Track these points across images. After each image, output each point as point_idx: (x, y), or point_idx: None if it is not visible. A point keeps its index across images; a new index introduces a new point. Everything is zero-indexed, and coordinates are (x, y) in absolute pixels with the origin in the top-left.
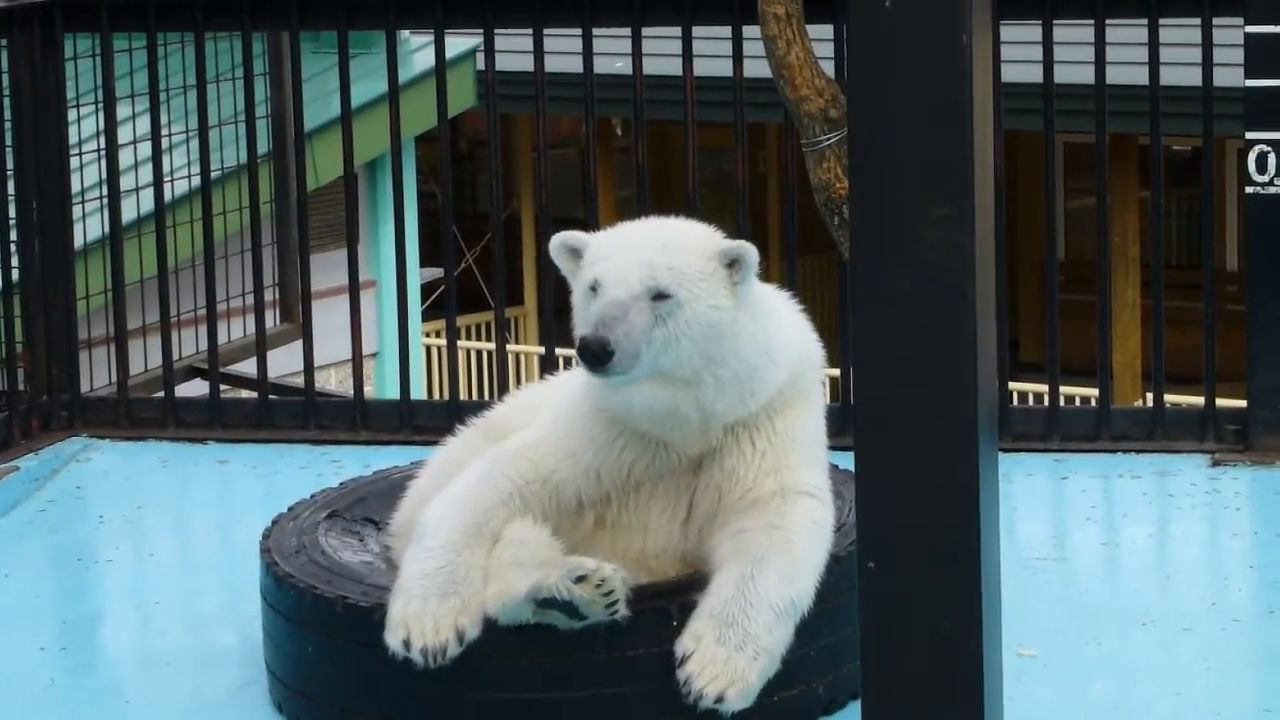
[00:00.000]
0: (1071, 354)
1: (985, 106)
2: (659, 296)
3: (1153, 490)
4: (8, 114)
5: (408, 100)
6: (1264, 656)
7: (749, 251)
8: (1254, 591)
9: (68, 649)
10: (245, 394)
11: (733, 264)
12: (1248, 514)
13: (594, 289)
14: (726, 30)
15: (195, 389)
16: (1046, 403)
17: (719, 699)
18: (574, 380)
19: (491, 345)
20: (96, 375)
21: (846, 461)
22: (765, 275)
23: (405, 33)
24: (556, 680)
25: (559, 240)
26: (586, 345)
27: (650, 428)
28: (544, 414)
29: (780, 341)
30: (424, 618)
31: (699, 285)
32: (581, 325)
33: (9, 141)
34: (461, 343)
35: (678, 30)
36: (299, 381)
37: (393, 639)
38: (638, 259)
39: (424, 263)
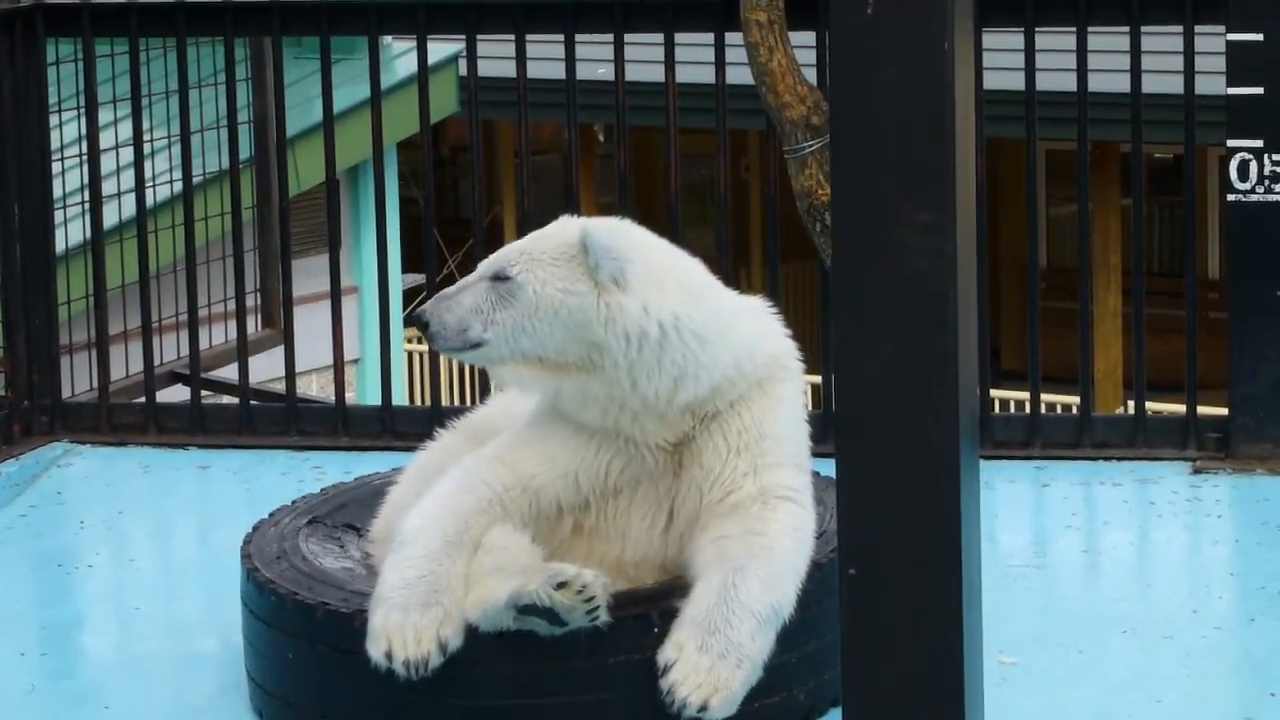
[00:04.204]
0: (1053, 362)
1: (967, 113)
2: (499, 278)
3: (1134, 498)
4: None
5: (390, 106)
6: (1245, 664)
7: (589, 234)
8: (1235, 599)
9: (48, 654)
10: (226, 399)
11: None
12: (1229, 521)
13: None
14: (709, 37)
15: (176, 394)
16: (1028, 410)
17: (703, 708)
18: None
19: None
20: (78, 380)
21: (828, 468)
22: (748, 282)
23: (387, 38)
24: (537, 687)
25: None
26: (412, 317)
27: (592, 417)
28: (523, 418)
29: (718, 327)
30: (405, 629)
31: (546, 269)
32: None
33: None
34: None
35: (660, 36)
36: (280, 387)
37: (374, 650)
38: (504, 247)
39: (406, 268)
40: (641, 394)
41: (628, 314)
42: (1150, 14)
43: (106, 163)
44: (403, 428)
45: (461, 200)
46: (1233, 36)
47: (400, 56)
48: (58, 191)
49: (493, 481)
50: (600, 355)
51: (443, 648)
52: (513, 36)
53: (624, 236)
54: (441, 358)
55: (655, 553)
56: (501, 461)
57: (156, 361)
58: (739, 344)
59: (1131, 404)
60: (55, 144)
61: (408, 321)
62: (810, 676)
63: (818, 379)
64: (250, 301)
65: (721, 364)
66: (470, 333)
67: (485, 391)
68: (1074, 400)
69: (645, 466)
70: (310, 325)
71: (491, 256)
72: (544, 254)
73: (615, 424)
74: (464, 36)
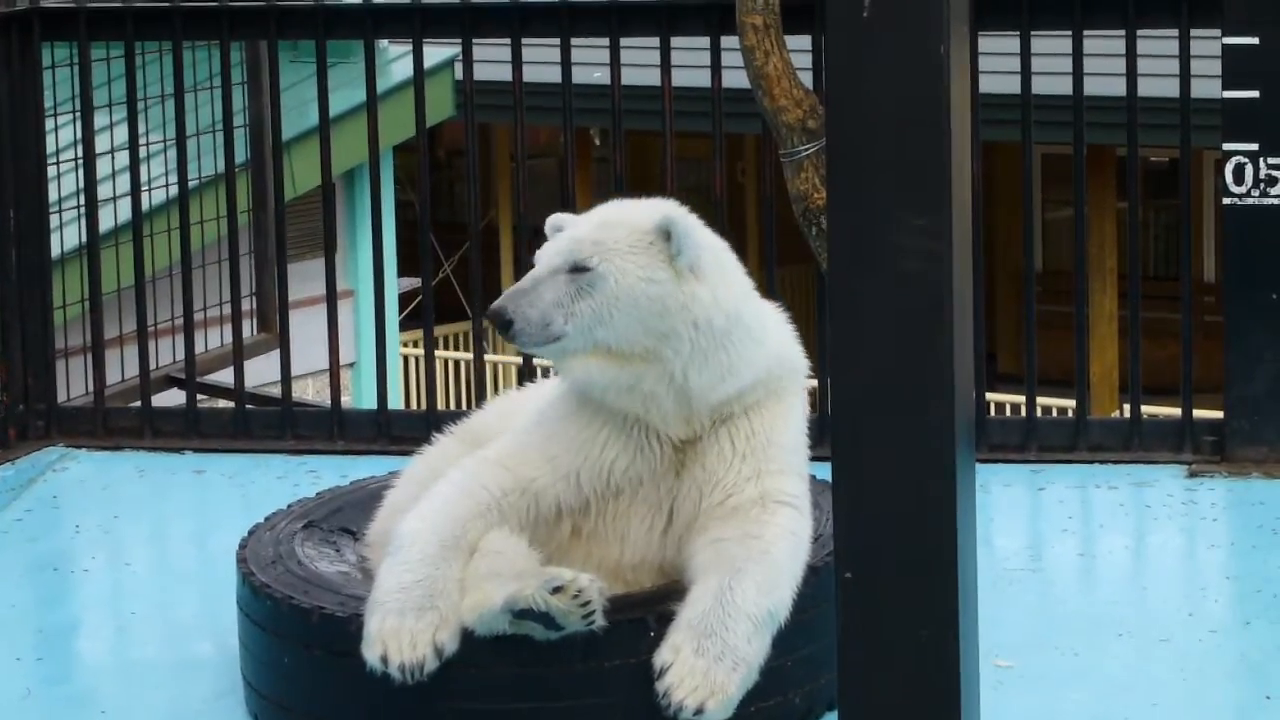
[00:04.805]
0: (1049, 365)
1: (963, 117)
2: (577, 269)
3: (1130, 501)
4: None
5: (386, 110)
6: (1241, 667)
7: (673, 221)
8: (1231, 602)
9: (44, 659)
10: (222, 404)
11: (668, 236)
12: (1224, 525)
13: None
14: (704, 41)
15: (172, 398)
16: (1024, 413)
17: (699, 710)
18: (555, 385)
19: (469, 355)
20: (73, 385)
21: (824, 472)
22: None
23: (383, 42)
24: (533, 691)
25: (551, 221)
26: (488, 314)
27: (628, 406)
28: (523, 420)
29: (759, 322)
30: (401, 633)
31: (627, 258)
32: None
33: None
34: (439, 353)
35: (656, 40)
36: (276, 391)
37: (370, 654)
38: (570, 235)
39: (401, 272)
40: (690, 387)
41: (701, 303)
42: (1146, 17)
43: (102, 167)
44: (398, 431)
45: (457, 204)
46: (1228, 40)
47: (396, 60)
48: (53, 195)
49: (491, 486)
50: (666, 345)
51: (438, 652)
52: (509, 40)
53: (694, 222)
54: (437, 362)
55: (654, 555)
56: (501, 465)
57: (152, 365)
58: (772, 348)
59: (1127, 407)
60: (51, 148)
61: (403, 325)
62: (807, 680)
63: (814, 382)
64: (246, 305)
65: (757, 365)
66: (553, 327)
67: (481, 396)
68: (1070, 404)
69: (649, 466)
70: (306, 329)
71: (555, 249)
72: (619, 242)
73: (646, 416)
74: (460, 40)
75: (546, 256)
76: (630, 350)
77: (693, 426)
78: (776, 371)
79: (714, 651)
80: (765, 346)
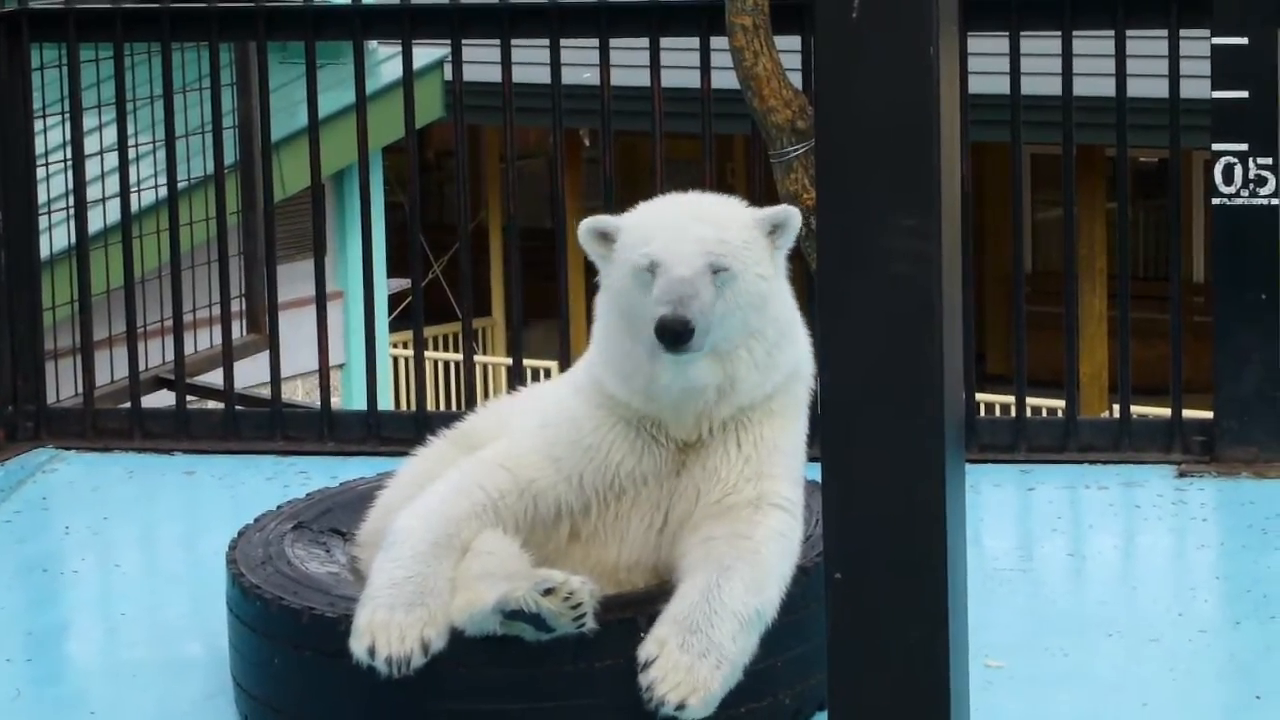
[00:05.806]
0: (1038, 366)
1: (952, 118)
2: (718, 271)
3: (1119, 501)
4: None
5: (375, 111)
6: (1230, 667)
7: (792, 215)
8: (1220, 602)
9: (33, 660)
10: (212, 405)
11: (774, 230)
12: (1214, 525)
13: (650, 270)
14: (694, 41)
15: (161, 400)
16: (1013, 413)
17: (680, 706)
18: (560, 386)
19: (459, 356)
20: (62, 386)
21: (814, 473)
22: None
23: (372, 43)
24: (523, 691)
25: (587, 226)
26: (668, 325)
27: (671, 406)
28: (521, 422)
29: (798, 320)
30: (390, 627)
31: (747, 255)
32: (643, 307)
33: None
34: (428, 354)
35: (645, 41)
36: (266, 392)
37: (358, 647)
38: (691, 235)
39: (391, 273)
40: (742, 387)
41: (780, 299)
42: (1135, 18)
43: (91, 168)
44: (388, 432)
45: (447, 205)
46: (1217, 40)
47: (385, 61)
48: (42, 197)
49: (489, 487)
50: (746, 343)
51: (425, 648)
52: (498, 41)
53: None
54: (427, 363)
55: (649, 555)
56: (500, 466)
57: (141, 367)
58: (799, 351)
59: (1117, 407)
60: (40, 149)
61: (393, 326)
62: (796, 680)
63: None
64: (235, 306)
65: (788, 368)
66: (712, 332)
67: (471, 396)
68: (1059, 404)
69: (654, 466)
70: (296, 330)
71: (684, 249)
72: (737, 239)
73: (673, 417)
74: (449, 41)
75: (682, 259)
76: (722, 348)
77: (702, 427)
78: (794, 375)
79: (699, 648)
80: (796, 349)
